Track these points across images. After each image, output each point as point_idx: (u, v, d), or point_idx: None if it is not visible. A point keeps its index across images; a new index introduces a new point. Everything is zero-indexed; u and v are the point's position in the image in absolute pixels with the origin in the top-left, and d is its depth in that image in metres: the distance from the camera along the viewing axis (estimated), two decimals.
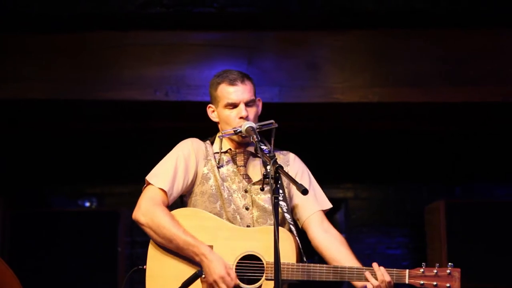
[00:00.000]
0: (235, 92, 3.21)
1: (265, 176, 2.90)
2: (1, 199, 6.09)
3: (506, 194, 7.03)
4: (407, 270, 3.02)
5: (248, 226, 3.14)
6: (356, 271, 3.01)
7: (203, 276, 3.02)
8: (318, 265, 3.01)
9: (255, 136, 3.06)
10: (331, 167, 6.77)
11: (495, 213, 5.94)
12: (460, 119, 6.11)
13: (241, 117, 3.19)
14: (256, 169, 3.28)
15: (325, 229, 3.23)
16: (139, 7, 5.17)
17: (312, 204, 3.25)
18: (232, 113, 3.22)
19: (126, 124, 6.27)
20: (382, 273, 2.99)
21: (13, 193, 6.63)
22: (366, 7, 5.26)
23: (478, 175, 7.06)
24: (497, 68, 5.45)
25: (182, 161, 3.20)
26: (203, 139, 3.34)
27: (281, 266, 2.94)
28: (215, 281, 2.98)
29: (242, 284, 3.02)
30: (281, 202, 3.06)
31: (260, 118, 3.29)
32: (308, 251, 3.11)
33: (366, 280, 3.00)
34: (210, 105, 3.33)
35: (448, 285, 3.00)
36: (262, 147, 3.11)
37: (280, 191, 3.01)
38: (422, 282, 3.01)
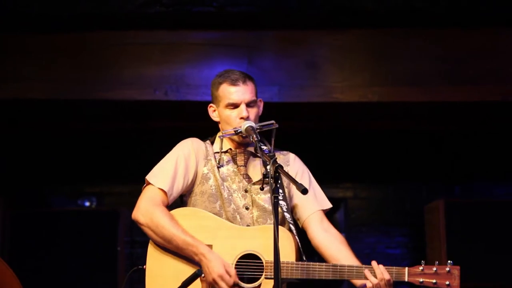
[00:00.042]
0: (237, 92, 3.21)
1: (265, 175, 2.90)
2: (1, 199, 6.08)
3: (506, 193, 7.03)
4: (407, 268, 3.03)
5: (248, 226, 3.15)
6: (355, 269, 3.01)
7: (203, 275, 3.03)
8: (317, 263, 3.02)
9: (254, 136, 3.06)
10: (330, 167, 6.77)
11: (494, 212, 5.94)
12: (460, 118, 6.11)
13: (241, 118, 3.19)
14: (256, 169, 3.28)
15: (325, 228, 3.24)
16: (139, 6, 5.17)
17: (312, 204, 3.26)
18: (233, 113, 3.22)
19: (126, 124, 6.27)
20: (382, 271, 3.00)
21: (13, 193, 6.62)
22: (366, 6, 5.26)
23: (477, 175, 7.06)
24: (497, 67, 5.46)
25: (182, 161, 3.20)
26: (203, 139, 3.35)
27: (281, 265, 2.94)
28: (214, 280, 2.98)
29: (241, 283, 3.03)
30: (281, 202, 3.06)
31: (259, 117, 3.29)
32: (308, 251, 3.11)
33: (366, 278, 3.00)
34: (211, 104, 3.33)
35: (447, 282, 3.00)
36: (262, 147, 3.11)
37: (280, 190, 3.01)
38: (421, 280, 3.01)
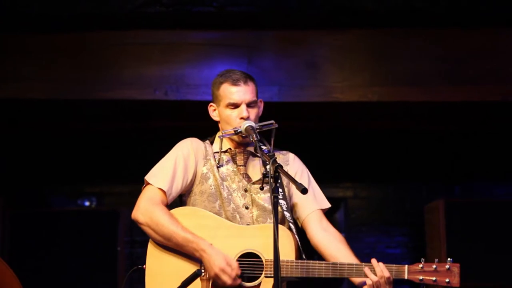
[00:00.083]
0: (237, 92, 3.21)
1: (265, 175, 2.91)
2: (1, 199, 6.08)
3: (506, 193, 7.03)
4: (406, 266, 3.03)
5: (247, 225, 3.15)
6: (355, 267, 3.02)
7: (203, 274, 3.03)
8: (317, 261, 3.02)
9: (254, 136, 3.07)
10: (330, 166, 6.77)
11: (494, 212, 5.94)
12: (460, 118, 6.11)
13: (242, 118, 3.19)
14: (256, 168, 3.28)
15: (324, 227, 3.24)
16: (139, 6, 5.17)
17: (311, 203, 3.26)
18: (233, 113, 3.22)
19: (126, 124, 6.27)
20: (381, 268, 3.00)
21: (13, 193, 6.62)
22: (366, 6, 5.26)
23: (477, 175, 7.05)
24: (496, 67, 5.46)
25: (181, 161, 3.20)
26: (203, 139, 3.35)
27: (280, 263, 2.94)
28: (216, 274, 2.98)
29: (241, 282, 3.03)
30: (280, 201, 3.07)
31: (259, 117, 3.30)
32: (307, 250, 3.12)
33: (365, 276, 3.01)
34: (211, 103, 3.34)
35: (447, 280, 3.00)
36: (262, 147, 3.11)
37: (280, 190, 3.01)
38: (421, 277, 3.01)
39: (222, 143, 3.28)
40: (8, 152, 6.68)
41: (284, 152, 3.38)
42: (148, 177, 3.20)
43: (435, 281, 3.00)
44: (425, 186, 7.04)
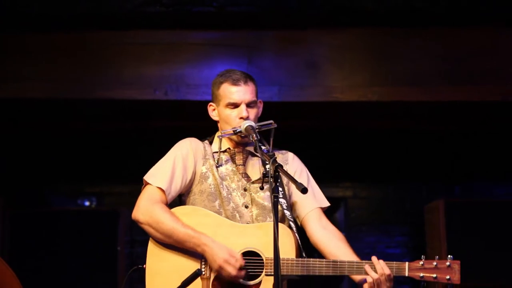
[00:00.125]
0: (237, 92, 3.22)
1: (265, 175, 2.92)
2: (1, 199, 6.09)
3: (506, 193, 7.03)
4: (407, 263, 3.03)
5: (248, 224, 3.15)
6: (356, 265, 3.02)
7: (203, 273, 3.03)
8: (317, 259, 3.03)
9: (254, 135, 3.07)
10: (330, 166, 6.77)
11: (494, 212, 5.93)
12: (460, 118, 6.11)
13: (241, 118, 3.20)
14: (255, 168, 3.29)
15: (323, 225, 3.24)
16: (139, 6, 5.18)
17: (311, 202, 3.26)
18: (233, 113, 3.23)
19: (126, 124, 6.28)
20: (382, 266, 3.00)
21: (13, 193, 6.62)
22: (365, 6, 5.26)
23: (477, 174, 7.05)
24: (496, 67, 5.46)
25: (180, 161, 3.21)
26: (202, 139, 3.35)
27: (281, 261, 2.95)
28: (220, 266, 2.99)
29: (242, 280, 3.03)
30: (280, 200, 3.07)
31: (259, 117, 3.30)
32: (308, 248, 3.12)
33: (366, 273, 3.01)
34: (211, 103, 3.34)
35: (448, 277, 3.00)
36: (261, 146, 3.11)
37: (280, 188, 3.01)
38: (421, 274, 3.01)
39: (221, 143, 3.28)
40: (8, 152, 6.68)
41: (283, 151, 3.38)
42: (147, 177, 3.20)
43: (435, 278, 3.00)
44: (425, 186, 7.04)
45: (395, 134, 6.69)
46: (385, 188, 7.11)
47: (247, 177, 3.25)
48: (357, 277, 3.08)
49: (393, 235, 6.98)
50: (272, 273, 2.90)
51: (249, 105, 3.22)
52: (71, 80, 5.48)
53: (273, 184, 2.80)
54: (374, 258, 3.03)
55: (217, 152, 3.27)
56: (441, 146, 6.88)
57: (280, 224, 2.92)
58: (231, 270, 2.98)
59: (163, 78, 5.46)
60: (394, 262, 3.03)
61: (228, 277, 2.99)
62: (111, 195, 7.04)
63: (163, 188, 3.15)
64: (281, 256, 2.89)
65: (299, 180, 2.92)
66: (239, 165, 3.27)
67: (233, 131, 3.18)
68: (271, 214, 3.00)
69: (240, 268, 3.00)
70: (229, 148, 3.30)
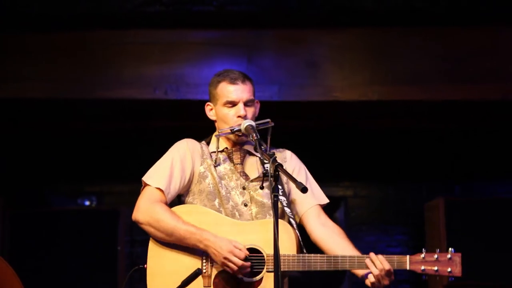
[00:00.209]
0: (235, 91, 3.22)
1: (265, 174, 2.93)
2: (1, 199, 6.08)
3: (506, 191, 7.03)
4: (408, 256, 3.03)
5: (248, 221, 3.16)
6: (356, 259, 3.03)
7: (204, 272, 3.03)
8: (318, 255, 3.03)
9: (254, 135, 3.08)
10: (330, 165, 6.77)
11: (494, 210, 5.93)
12: (460, 117, 6.11)
13: (239, 116, 3.20)
14: (253, 166, 3.29)
15: (322, 222, 3.25)
16: (139, 6, 5.18)
17: (309, 199, 3.26)
18: (231, 112, 3.23)
19: (126, 124, 6.28)
20: (381, 261, 3.01)
21: (13, 193, 6.62)
22: (365, 6, 5.27)
23: (477, 173, 7.05)
24: (497, 66, 5.47)
25: (178, 161, 3.21)
26: (199, 140, 3.35)
27: (281, 258, 2.96)
28: (225, 258, 2.98)
29: (243, 277, 3.03)
30: (280, 197, 3.07)
31: (259, 116, 3.30)
32: (308, 245, 3.12)
33: (367, 267, 3.01)
34: (208, 103, 3.34)
35: (449, 269, 3.00)
36: (262, 145, 3.12)
37: (279, 186, 3.02)
38: (423, 267, 3.01)
39: (219, 142, 3.28)
40: (8, 152, 6.68)
41: (281, 149, 3.38)
42: (145, 178, 3.21)
43: (437, 271, 3.00)
44: (425, 185, 7.04)
45: (395, 133, 6.68)
46: (385, 187, 7.11)
47: (245, 175, 3.25)
48: (359, 272, 3.08)
49: (393, 234, 6.98)
50: (273, 270, 2.90)
51: (246, 104, 3.23)
52: (71, 80, 5.49)
53: (273, 184, 2.81)
54: (372, 254, 3.03)
55: (214, 152, 3.27)
56: (441, 145, 6.87)
57: (280, 221, 2.93)
58: (237, 261, 2.98)
59: (163, 78, 5.46)
60: (395, 256, 3.03)
61: (234, 268, 2.99)
62: (111, 194, 7.04)
63: (162, 188, 3.16)
64: (282, 252, 2.91)
65: (297, 178, 2.93)
66: (237, 164, 3.27)
67: (231, 130, 3.19)
68: (271, 212, 3.02)
69: (245, 259, 3.00)
70: (226, 148, 3.30)
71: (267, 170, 2.88)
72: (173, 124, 6.03)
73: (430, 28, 5.49)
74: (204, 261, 3.07)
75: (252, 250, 3.05)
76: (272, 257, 2.92)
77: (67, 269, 5.90)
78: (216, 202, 3.18)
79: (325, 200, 3.33)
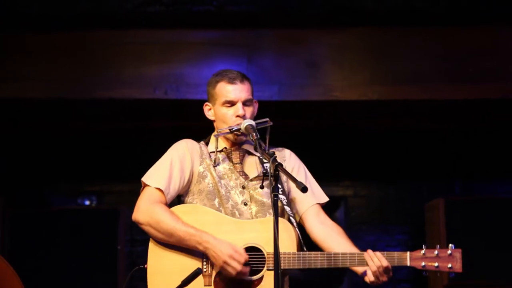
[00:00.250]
0: (234, 90, 3.23)
1: (265, 173, 2.93)
2: (1, 199, 6.08)
3: (506, 191, 7.03)
4: (408, 253, 3.04)
5: (248, 220, 3.16)
6: (357, 257, 3.03)
7: (204, 271, 3.03)
8: (319, 252, 3.04)
9: (254, 134, 3.08)
10: (330, 165, 6.77)
11: (495, 210, 5.93)
12: (460, 116, 6.11)
13: (237, 116, 3.21)
14: (252, 166, 3.29)
15: (322, 221, 3.25)
16: (139, 6, 5.18)
17: (309, 198, 3.26)
18: (229, 111, 3.23)
19: (126, 124, 6.28)
20: (379, 258, 3.01)
21: (13, 193, 6.62)
22: (365, 6, 5.27)
23: (478, 173, 7.05)
24: (497, 65, 5.47)
25: (177, 161, 3.21)
26: (198, 140, 3.36)
27: (281, 256, 2.96)
28: (225, 262, 2.98)
29: (244, 276, 3.03)
30: (280, 196, 3.07)
31: (259, 116, 3.30)
32: (308, 243, 3.13)
33: (366, 264, 3.02)
34: (207, 103, 3.35)
35: (449, 265, 3.00)
36: (262, 145, 3.12)
37: (279, 185, 3.02)
38: (423, 263, 3.01)
39: (218, 142, 3.29)
40: (8, 152, 6.68)
41: (280, 148, 3.39)
42: (144, 179, 3.21)
43: (437, 267, 3.00)
44: (425, 184, 7.04)
45: (395, 133, 6.68)
46: (385, 186, 7.11)
47: (244, 175, 3.25)
48: (358, 269, 3.09)
49: (393, 233, 6.98)
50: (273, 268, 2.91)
51: (245, 103, 3.23)
52: (71, 80, 5.49)
53: (273, 183, 2.81)
54: (370, 251, 3.03)
55: (213, 151, 3.27)
56: (442, 145, 6.87)
57: (280, 219, 2.93)
58: (236, 265, 2.98)
59: (163, 78, 5.46)
60: (396, 252, 3.04)
61: (233, 273, 2.99)
62: (111, 193, 7.04)
63: (162, 188, 3.16)
64: (282, 250, 2.92)
65: (297, 177, 2.94)
66: (236, 163, 3.27)
67: (229, 129, 3.20)
68: (271, 210, 3.02)
69: (245, 264, 3.00)
70: (225, 148, 3.31)
71: (267, 169, 2.88)
72: (173, 124, 6.03)
73: (430, 28, 5.50)
74: (204, 260, 3.07)
75: (252, 249, 3.06)
76: (273, 255, 2.92)
77: (67, 269, 5.89)
78: (216, 201, 3.18)
79: (325, 199, 3.33)
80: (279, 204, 3.03)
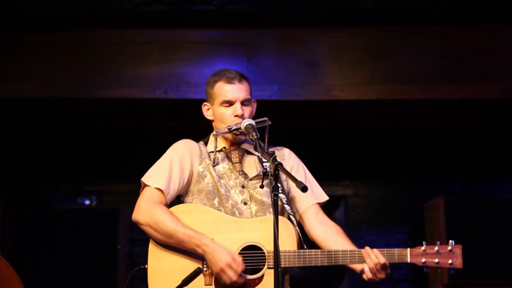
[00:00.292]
0: (232, 90, 3.23)
1: (265, 173, 2.94)
2: (1, 199, 6.08)
3: (506, 191, 7.03)
4: (409, 249, 3.04)
5: (248, 218, 3.16)
6: (357, 254, 3.03)
7: (205, 270, 3.03)
8: (319, 250, 3.05)
9: (254, 134, 3.08)
10: (330, 165, 6.77)
11: (494, 210, 5.93)
12: (460, 116, 6.11)
13: (236, 115, 3.21)
14: (251, 165, 3.30)
15: (321, 220, 3.25)
16: (138, 5, 5.18)
17: (308, 198, 3.27)
18: (228, 111, 3.24)
19: (126, 124, 6.27)
20: (376, 255, 3.01)
21: (13, 193, 6.62)
22: (365, 6, 5.27)
23: (477, 172, 7.05)
24: (496, 65, 5.47)
25: (177, 161, 3.22)
26: (197, 140, 3.36)
27: (281, 254, 2.96)
28: (222, 270, 2.99)
29: (244, 274, 3.03)
30: (280, 195, 3.07)
31: (258, 115, 3.30)
32: (308, 241, 3.13)
33: (364, 262, 3.02)
34: (205, 103, 3.36)
35: (450, 261, 3.00)
36: (261, 144, 3.12)
37: (279, 184, 3.02)
38: (424, 260, 3.01)
39: (217, 142, 3.28)
40: (8, 152, 6.68)
41: (279, 147, 3.39)
42: (144, 179, 3.21)
43: (437, 263, 3.00)
44: (425, 184, 7.03)
45: (395, 132, 6.68)
46: (385, 186, 7.11)
47: (244, 174, 3.26)
48: (357, 267, 3.09)
49: (393, 233, 6.98)
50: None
51: (243, 103, 3.24)
52: (71, 80, 5.49)
53: (273, 183, 2.81)
54: (367, 248, 3.04)
55: (213, 151, 3.28)
56: (441, 144, 6.87)
57: (280, 217, 2.94)
58: (232, 275, 2.99)
59: (163, 77, 5.46)
60: (396, 249, 3.05)
61: (227, 281, 3.00)
62: (111, 193, 7.04)
63: (162, 188, 3.16)
64: (282, 249, 2.93)
65: (296, 176, 2.94)
66: (236, 163, 3.28)
67: (228, 129, 3.21)
68: (271, 209, 3.02)
69: (241, 273, 3.00)
70: (224, 147, 3.31)
71: (267, 169, 2.88)
72: (173, 124, 6.03)
73: (430, 27, 5.49)
74: (205, 261, 3.07)
75: (252, 247, 3.06)
76: (273, 254, 2.92)
77: (67, 269, 5.89)
78: (216, 201, 3.19)
79: (324, 198, 3.34)
80: (279, 203, 3.04)
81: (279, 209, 3.04)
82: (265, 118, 3.20)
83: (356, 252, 3.04)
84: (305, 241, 3.10)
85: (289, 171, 3.11)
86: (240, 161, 3.29)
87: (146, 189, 3.19)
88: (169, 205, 3.21)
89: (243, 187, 3.21)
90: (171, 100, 5.46)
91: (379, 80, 5.47)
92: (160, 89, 5.44)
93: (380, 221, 7.01)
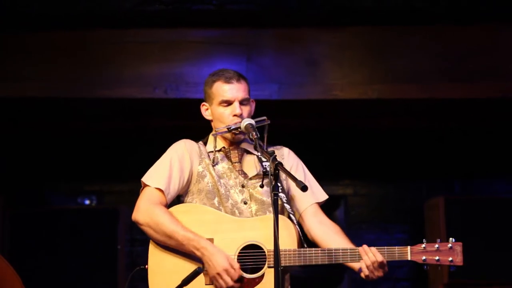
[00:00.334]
0: (231, 90, 3.23)
1: (265, 172, 2.94)
2: (1, 199, 6.08)
3: (506, 190, 7.02)
4: (409, 247, 3.04)
5: (248, 218, 3.16)
6: (354, 253, 3.04)
7: (205, 271, 3.04)
8: (319, 249, 3.05)
9: (254, 133, 3.09)
10: (330, 164, 6.77)
11: (494, 209, 5.94)
12: (460, 115, 6.11)
13: (234, 115, 3.21)
14: (251, 165, 3.30)
15: (320, 220, 3.25)
16: (138, 5, 5.18)
17: (308, 197, 3.27)
18: (226, 111, 3.24)
19: (126, 124, 6.27)
20: (373, 253, 3.02)
21: (13, 192, 6.62)
22: (365, 6, 5.27)
23: (477, 172, 7.05)
24: (496, 64, 5.47)
25: (177, 161, 3.22)
26: (196, 140, 3.36)
27: (281, 253, 2.96)
28: (219, 274, 2.99)
29: (244, 274, 3.04)
30: (280, 194, 3.07)
31: (258, 114, 3.30)
32: (308, 240, 3.13)
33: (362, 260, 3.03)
34: (204, 103, 3.35)
35: (450, 259, 3.01)
36: (261, 144, 3.12)
37: (279, 183, 3.02)
38: (424, 257, 3.02)
39: (216, 142, 3.29)
40: (8, 152, 6.68)
41: (278, 146, 3.39)
42: (144, 179, 3.21)
43: (438, 260, 3.00)
44: (425, 183, 7.03)
45: (395, 131, 6.68)
46: (385, 185, 7.11)
47: (244, 174, 3.26)
48: (355, 265, 3.09)
49: (393, 232, 6.97)
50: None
51: (242, 102, 3.24)
52: (71, 79, 5.49)
53: (273, 182, 2.81)
54: (365, 246, 3.04)
55: (212, 151, 3.28)
56: (441, 144, 6.87)
57: (280, 216, 2.94)
58: (229, 281, 2.99)
59: (162, 77, 5.46)
60: (396, 247, 3.05)
61: (224, 286, 3.00)
62: (111, 193, 7.04)
63: (162, 188, 3.16)
64: (282, 248, 2.93)
65: (296, 175, 2.94)
66: (235, 162, 3.28)
67: (227, 128, 3.20)
68: (271, 209, 3.02)
69: (238, 279, 3.00)
70: (223, 147, 3.31)
71: (267, 168, 2.88)
72: (173, 124, 6.03)
73: (429, 27, 5.49)
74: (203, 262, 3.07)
75: (252, 246, 3.06)
76: (273, 253, 2.92)
77: (67, 268, 5.90)
78: (216, 200, 3.19)
79: (324, 197, 3.34)
80: (279, 202, 3.04)
81: (279, 208, 3.05)
82: (264, 118, 3.20)
83: (356, 250, 3.04)
84: (305, 240, 3.10)
85: (288, 170, 3.11)
86: (240, 161, 3.29)
87: (146, 189, 3.19)
88: (169, 205, 3.21)
89: (243, 186, 3.22)
90: (171, 99, 5.46)
91: (379, 80, 5.47)
92: (160, 89, 5.44)
93: (380, 220, 7.01)
